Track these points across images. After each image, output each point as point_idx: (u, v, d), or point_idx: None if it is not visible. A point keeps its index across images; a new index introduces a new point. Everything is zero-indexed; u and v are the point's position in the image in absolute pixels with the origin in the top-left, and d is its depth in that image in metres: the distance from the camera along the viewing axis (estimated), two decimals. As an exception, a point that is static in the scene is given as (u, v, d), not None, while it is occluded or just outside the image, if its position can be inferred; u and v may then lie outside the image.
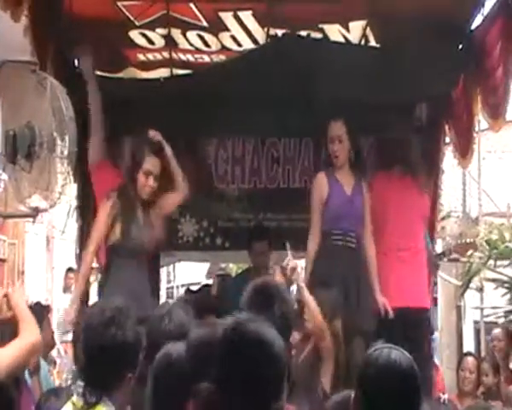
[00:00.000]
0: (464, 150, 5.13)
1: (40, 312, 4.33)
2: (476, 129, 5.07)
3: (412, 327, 4.08)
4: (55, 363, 7.15)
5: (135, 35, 4.89)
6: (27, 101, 3.62)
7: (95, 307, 2.74)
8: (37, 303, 4.90)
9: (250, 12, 4.76)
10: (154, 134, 4.23)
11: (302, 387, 3.46)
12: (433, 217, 5.12)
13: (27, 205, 3.71)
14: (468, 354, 5.58)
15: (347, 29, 4.98)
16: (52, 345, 5.12)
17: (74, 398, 2.38)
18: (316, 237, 4.17)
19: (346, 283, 4.03)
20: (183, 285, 9.98)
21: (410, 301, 4.19)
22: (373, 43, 5.09)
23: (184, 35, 4.95)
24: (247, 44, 5.05)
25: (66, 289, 9.78)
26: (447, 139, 5.63)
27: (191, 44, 5.05)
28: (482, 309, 7.10)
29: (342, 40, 5.06)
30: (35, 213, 3.81)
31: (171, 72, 5.39)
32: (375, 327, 3.97)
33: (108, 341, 2.34)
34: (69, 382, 5.82)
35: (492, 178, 8.90)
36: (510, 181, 8.71)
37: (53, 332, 5.37)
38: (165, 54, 5.20)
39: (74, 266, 5.84)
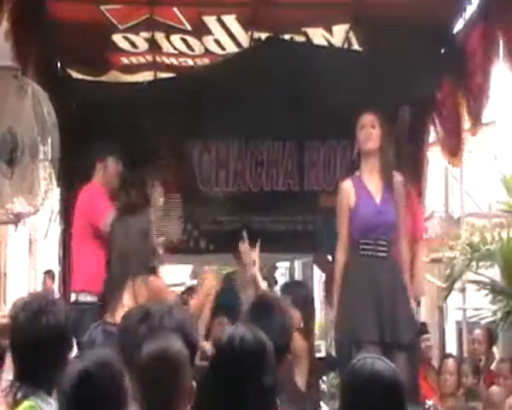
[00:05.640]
0: (454, 149, 5.14)
1: None
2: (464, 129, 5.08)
3: None
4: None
5: (118, 39, 4.88)
6: (9, 106, 3.60)
7: (19, 301, 2.56)
8: None
9: (234, 16, 4.77)
10: None
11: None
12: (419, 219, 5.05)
13: (9, 211, 3.69)
14: (448, 355, 5.60)
15: (331, 33, 5.01)
16: None
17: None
18: (344, 247, 3.85)
19: (380, 295, 3.77)
20: (167, 286, 10.00)
21: None
22: (356, 46, 5.12)
23: (168, 39, 4.94)
24: (231, 48, 5.05)
25: (46, 291, 9.69)
26: (430, 139, 5.68)
27: (175, 48, 5.05)
28: (465, 310, 7.14)
29: (326, 44, 5.08)
30: (17, 219, 3.79)
31: (155, 75, 5.38)
32: (415, 339, 3.82)
33: (36, 331, 2.27)
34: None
35: (474, 178, 8.96)
36: (492, 182, 8.78)
37: None
38: (149, 57, 5.19)
39: (57, 268, 5.79)
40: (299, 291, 4.08)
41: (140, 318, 2.42)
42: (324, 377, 6.96)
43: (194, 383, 2.11)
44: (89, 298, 4.02)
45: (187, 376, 2.12)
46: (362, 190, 3.87)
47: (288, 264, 10.29)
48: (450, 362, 5.08)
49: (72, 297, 4.27)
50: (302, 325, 3.91)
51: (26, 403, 2.23)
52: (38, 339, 2.25)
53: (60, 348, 2.31)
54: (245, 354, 1.96)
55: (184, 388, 2.10)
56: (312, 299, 4.20)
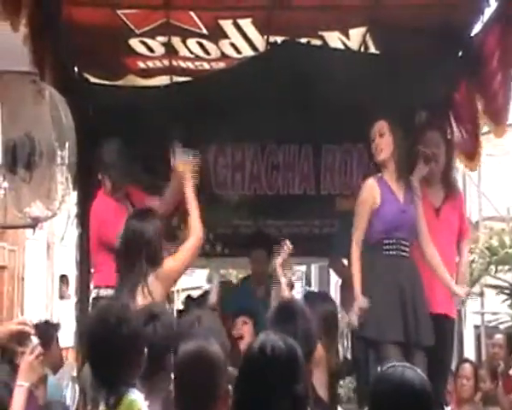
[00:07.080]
0: (471, 153, 5.11)
1: (48, 330, 4.30)
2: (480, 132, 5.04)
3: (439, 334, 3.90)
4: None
5: (135, 43, 4.90)
6: (27, 111, 3.63)
7: (96, 310, 2.74)
8: (47, 322, 4.84)
9: (250, 19, 4.77)
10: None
11: None
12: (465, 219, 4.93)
13: (27, 215, 3.72)
14: (465, 360, 5.56)
15: (347, 36, 4.99)
16: (61, 364, 5.06)
17: (101, 408, 2.40)
18: (359, 246, 3.84)
19: (403, 295, 3.77)
20: (183, 290, 10.05)
21: (439, 307, 4.00)
22: (372, 49, 5.10)
23: (184, 43, 4.96)
24: (247, 52, 5.06)
25: (62, 296, 9.80)
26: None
27: (191, 52, 5.06)
28: (483, 314, 7.09)
29: (342, 47, 5.06)
30: (35, 223, 3.81)
31: (171, 79, 5.40)
32: (434, 341, 3.78)
33: (118, 341, 2.37)
34: (69, 388, 5.81)
35: (492, 181, 8.89)
36: (510, 185, 8.71)
37: (61, 351, 5.30)
38: (166, 61, 5.21)
39: (75, 272, 5.82)
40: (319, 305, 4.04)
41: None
42: (341, 381, 6.92)
43: (230, 388, 2.10)
44: (109, 291, 4.03)
45: (223, 378, 2.13)
46: (386, 189, 3.90)
47: (304, 268, 10.27)
48: (468, 367, 5.05)
49: (94, 294, 4.33)
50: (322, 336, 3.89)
51: (125, 401, 2.33)
52: (121, 348, 2.37)
53: (139, 350, 2.43)
54: (277, 362, 1.93)
55: (220, 390, 2.11)
56: (334, 314, 4.08)
